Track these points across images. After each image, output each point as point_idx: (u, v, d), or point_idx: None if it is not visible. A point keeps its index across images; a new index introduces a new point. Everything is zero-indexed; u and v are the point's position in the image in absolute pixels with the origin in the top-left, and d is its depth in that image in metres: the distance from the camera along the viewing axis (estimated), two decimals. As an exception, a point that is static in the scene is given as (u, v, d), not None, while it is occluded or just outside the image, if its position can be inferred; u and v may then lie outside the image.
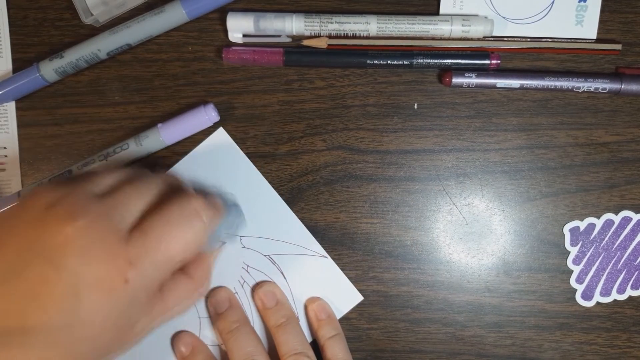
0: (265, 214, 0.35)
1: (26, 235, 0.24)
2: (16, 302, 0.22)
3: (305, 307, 0.35)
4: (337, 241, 0.36)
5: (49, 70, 0.33)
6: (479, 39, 0.35)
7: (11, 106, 0.35)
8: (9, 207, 0.27)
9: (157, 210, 0.26)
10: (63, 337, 0.23)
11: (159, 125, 0.33)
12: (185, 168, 0.35)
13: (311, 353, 0.33)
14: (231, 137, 0.35)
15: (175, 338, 0.35)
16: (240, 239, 0.35)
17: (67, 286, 0.23)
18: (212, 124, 0.34)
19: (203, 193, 0.29)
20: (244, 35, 0.34)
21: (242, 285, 0.35)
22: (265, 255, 0.35)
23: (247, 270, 0.35)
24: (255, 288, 0.35)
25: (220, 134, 0.35)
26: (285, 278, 0.35)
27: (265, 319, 0.35)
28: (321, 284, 0.35)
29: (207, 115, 0.33)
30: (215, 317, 0.34)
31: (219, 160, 0.35)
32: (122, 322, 0.25)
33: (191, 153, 0.35)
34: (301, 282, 0.35)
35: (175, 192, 0.28)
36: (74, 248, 0.23)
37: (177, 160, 0.35)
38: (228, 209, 0.32)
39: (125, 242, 0.25)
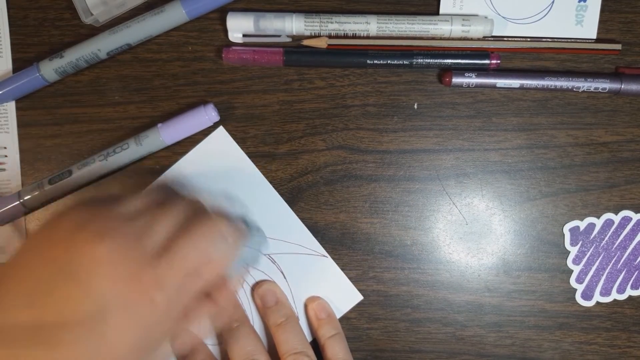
0: (266, 213, 0.35)
1: (55, 255, 0.24)
2: (45, 322, 0.23)
3: (305, 306, 0.35)
4: (337, 241, 0.36)
5: (49, 70, 0.33)
6: (479, 39, 0.35)
7: (11, 106, 0.35)
8: (39, 227, 0.27)
9: (183, 233, 0.26)
10: (89, 358, 0.23)
11: (159, 125, 0.33)
12: (185, 167, 0.35)
13: (311, 352, 0.33)
14: (231, 137, 0.35)
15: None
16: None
17: (94, 307, 0.23)
18: (212, 124, 0.34)
19: (226, 217, 0.29)
20: (244, 35, 0.34)
21: (242, 285, 0.35)
22: (265, 255, 0.35)
23: (247, 271, 0.35)
24: (255, 287, 0.35)
25: (220, 133, 0.35)
26: (285, 277, 0.35)
27: (264, 318, 0.35)
28: (321, 284, 0.35)
29: (207, 115, 0.33)
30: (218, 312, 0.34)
31: (219, 159, 0.35)
32: (147, 343, 0.25)
33: (191, 152, 0.35)
34: (301, 282, 0.35)
35: (200, 215, 0.28)
36: (102, 269, 0.24)
37: (177, 160, 0.35)
38: (251, 233, 0.32)
39: (153, 263, 0.25)
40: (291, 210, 0.35)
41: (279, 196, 0.35)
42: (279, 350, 0.33)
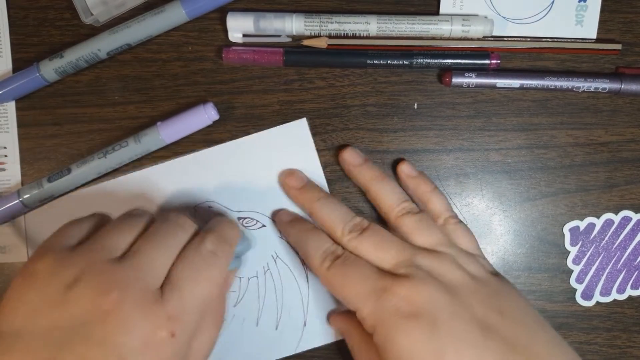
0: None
1: (52, 318, 0.23)
2: None
3: (395, 172, 0.35)
4: (337, 241, 0.36)
5: (49, 70, 0.33)
6: (479, 39, 0.35)
7: (11, 106, 0.35)
8: (13, 288, 0.26)
9: (179, 261, 0.27)
10: None
11: (159, 123, 0.33)
12: (256, 143, 0.35)
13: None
14: (231, 136, 0.35)
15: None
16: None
17: (118, 358, 0.23)
18: (211, 123, 0.34)
19: (211, 223, 0.30)
20: (244, 35, 0.34)
21: (265, 273, 0.35)
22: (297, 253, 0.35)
23: (274, 260, 0.35)
24: (338, 153, 0.35)
25: (301, 123, 0.35)
26: (307, 281, 0.35)
27: (356, 177, 0.34)
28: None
29: (207, 113, 0.33)
30: (296, 192, 0.34)
31: (290, 147, 0.35)
32: None
33: (265, 131, 0.35)
34: (321, 291, 0.35)
35: (186, 231, 0.29)
36: (113, 321, 0.23)
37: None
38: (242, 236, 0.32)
39: (161, 300, 0.25)
40: None
41: None
42: (384, 203, 0.33)
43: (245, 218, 0.35)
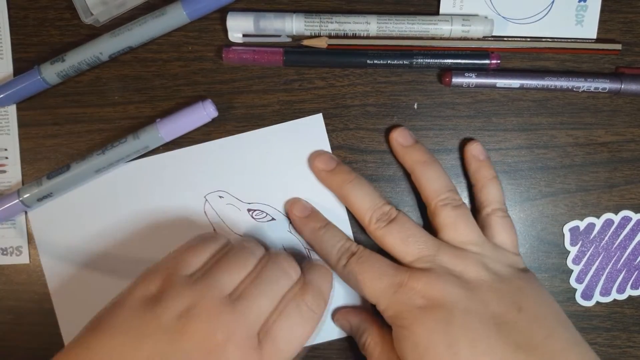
0: (323, 210, 0.35)
1: (161, 348, 0.24)
2: None
3: (462, 151, 0.35)
4: (337, 241, 0.36)
5: (51, 73, 0.33)
6: (479, 39, 0.35)
7: (12, 108, 0.35)
8: (119, 305, 0.26)
9: (280, 315, 0.27)
10: None
11: (158, 120, 0.33)
12: (270, 136, 0.35)
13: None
14: (230, 136, 0.35)
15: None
16: (289, 225, 0.35)
17: None
18: (210, 120, 0.34)
19: (312, 274, 0.30)
20: (244, 35, 0.34)
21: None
22: (305, 248, 0.35)
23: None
24: (390, 133, 0.35)
25: (317, 118, 0.35)
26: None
27: (403, 158, 0.34)
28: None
29: (206, 110, 0.33)
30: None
31: (304, 142, 0.35)
32: None
33: (281, 125, 0.35)
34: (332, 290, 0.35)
35: (290, 278, 0.29)
36: (220, 356, 0.24)
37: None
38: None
39: (259, 348, 0.26)
40: (347, 218, 0.35)
41: (338, 202, 0.35)
42: (427, 189, 0.33)
43: (255, 210, 0.35)
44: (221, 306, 0.26)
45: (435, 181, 0.33)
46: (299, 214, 0.34)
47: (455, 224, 0.31)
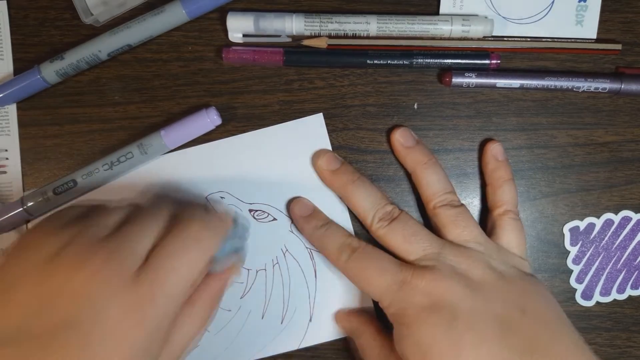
0: (324, 210, 0.35)
1: (30, 290, 0.23)
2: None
3: (482, 152, 0.35)
4: (337, 241, 0.36)
5: (50, 71, 0.33)
6: (479, 39, 0.35)
7: (12, 108, 0.35)
8: (4, 255, 0.26)
9: (159, 245, 0.26)
10: None
11: (162, 132, 0.33)
12: (271, 136, 0.35)
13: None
14: (231, 136, 0.35)
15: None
16: (291, 224, 0.35)
17: (83, 338, 0.22)
18: (214, 127, 0.34)
19: (206, 211, 0.29)
20: (244, 35, 0.34)
21: (273, 266, 0.35)
22: (307, 248, 0.35)
23: (284, 254, 0.35)
24: (391, 132, 0.34)
25: (317, 118, 0.35)
26: (315, 277, 0.35)
27: (405, 160, 0.34)
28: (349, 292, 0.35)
29: (210, 118, 0.33)
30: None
31: (305, 141, 0.35)
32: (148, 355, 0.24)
33: (282, 125, 0.35)
34: (328, 288, 0.35)
35: (180, 215, 0.28)
36: (84, 298, 0.23)
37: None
38: (233, 225, 0.31)
39: (136, 281, 0.24)
40: (348, 215, 0.35)
41: (339, 202, 0.35)
42: (427, 191, 0.33)
43: (256, 210, 0.35)
44: (91, 243, 0.24)
45: (435, 183, 0.33)
46: (300, 212, 0.34)
47: (455, 223, 0.31)
